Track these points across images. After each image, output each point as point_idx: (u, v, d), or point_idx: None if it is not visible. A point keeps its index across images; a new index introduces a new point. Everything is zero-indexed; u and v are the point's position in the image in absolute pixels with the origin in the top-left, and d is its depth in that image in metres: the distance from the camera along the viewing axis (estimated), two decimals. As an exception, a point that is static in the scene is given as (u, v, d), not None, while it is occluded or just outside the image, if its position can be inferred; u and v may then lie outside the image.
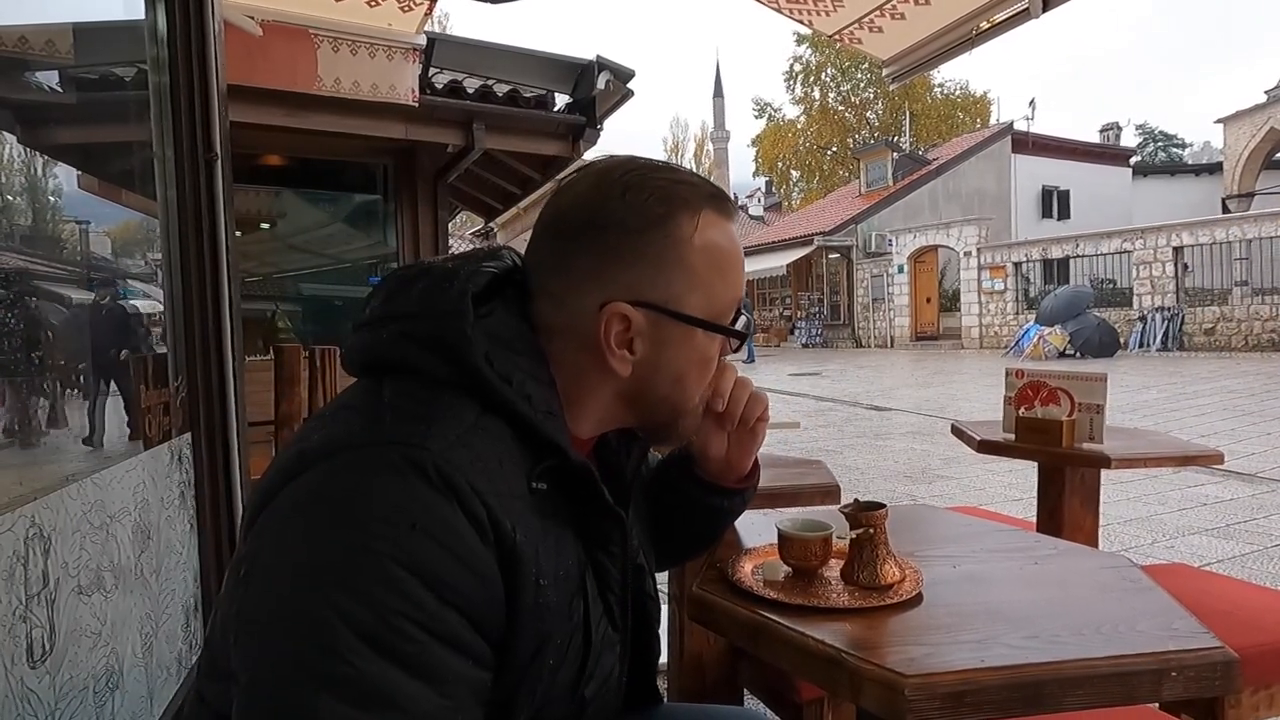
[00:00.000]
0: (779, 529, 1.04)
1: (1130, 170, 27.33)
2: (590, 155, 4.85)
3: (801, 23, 2.63)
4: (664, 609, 1.96)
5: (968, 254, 19.54)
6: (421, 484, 0.60)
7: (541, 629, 0.66)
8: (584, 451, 0.80)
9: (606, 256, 0.74)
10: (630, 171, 0.76)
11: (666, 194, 0.75)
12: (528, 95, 4.51)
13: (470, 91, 4.34)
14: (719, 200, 0.78)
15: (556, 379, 0.74)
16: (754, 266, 25.61)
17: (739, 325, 0.81)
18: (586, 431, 0.79)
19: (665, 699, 1.00)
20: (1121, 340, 15.51)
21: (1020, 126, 25.18)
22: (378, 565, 0.57)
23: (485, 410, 0.67)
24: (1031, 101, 26.77)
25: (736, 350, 0.84)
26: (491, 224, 10.53)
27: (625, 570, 0.78)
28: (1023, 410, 2.09)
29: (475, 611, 0.61)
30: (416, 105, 3.30)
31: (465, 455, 0.63)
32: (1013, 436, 2.09)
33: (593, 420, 0.79)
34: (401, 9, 2.84)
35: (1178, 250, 15.71)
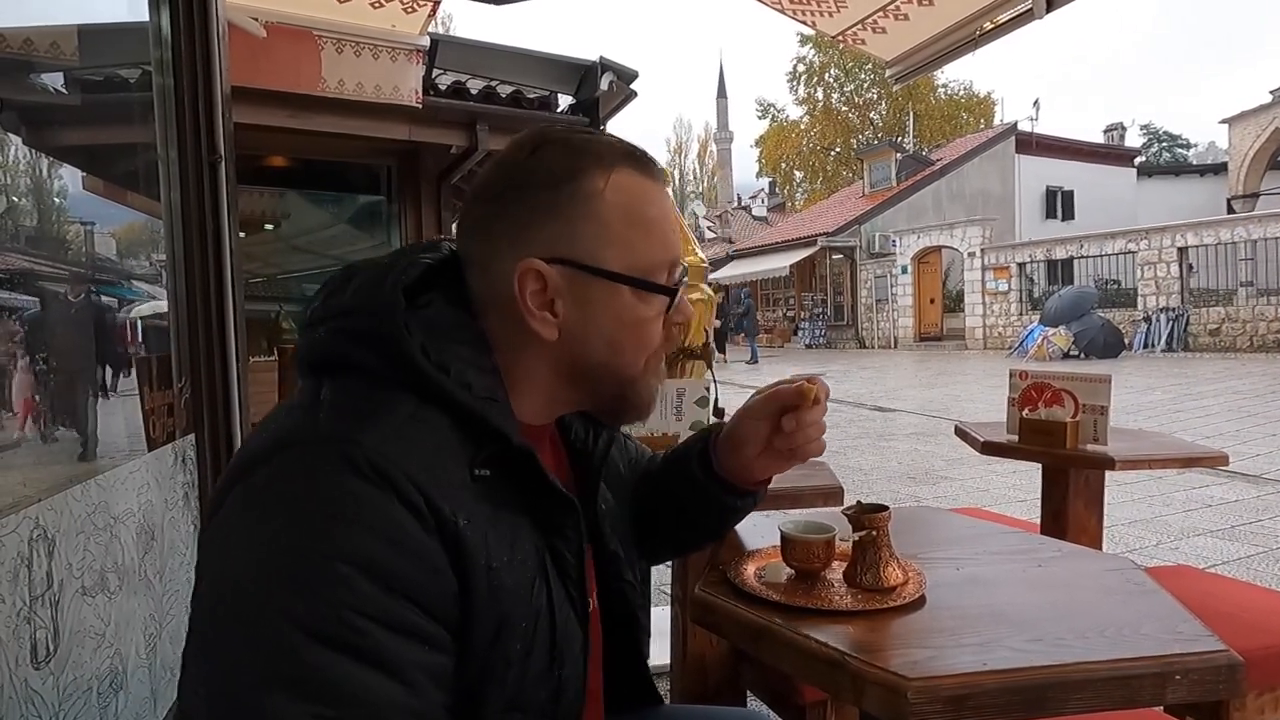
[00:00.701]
0: (781, 531, 1.03)
1: (1135, 171, 27.26)
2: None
3: (805, 24, 2.63)
4: (667, 610, 1.95)
5: (972, 255, 19.50)
6: (356, 478, 0.60)
7: (498, 612, 0.66)
8: (541, 438, 0.80)
9: (519, 215, 0.74)
10: (545, 131, 0.77)
11: (577, 149, 0.75)
12: (531, 96, 4.52)
13: (474, 93, 4.34)
14: (637, 158, 0.77)
15: (500, 364, 0.74)
16: (757, 267, 25.62)
17: (681, 288, 0.79)
18: (536, 416, 0.78)
19: (669, 700, 1.00)
20: (1126, 341, 15.46)
21: (1024, 127, 25.14)
22: (321, 563, 0.57)
23: (424, 402, 0.67)
24: (1035, 102, 26.78)
25: (670, 311, 0.79)
26: (495, 225, 10.54)
27: (581, 556, 0.77)
28: (1026, 411, 2.08)
29: (425, 597, 0.61)
30: (420, 106, 3.31)
31: (399, 446, 0.63)
32: (1016, 438, 2.09)
33: (539, 401, 0.78)
34: (405, 10, 2.84)
35: (1182, 251, 15.66)
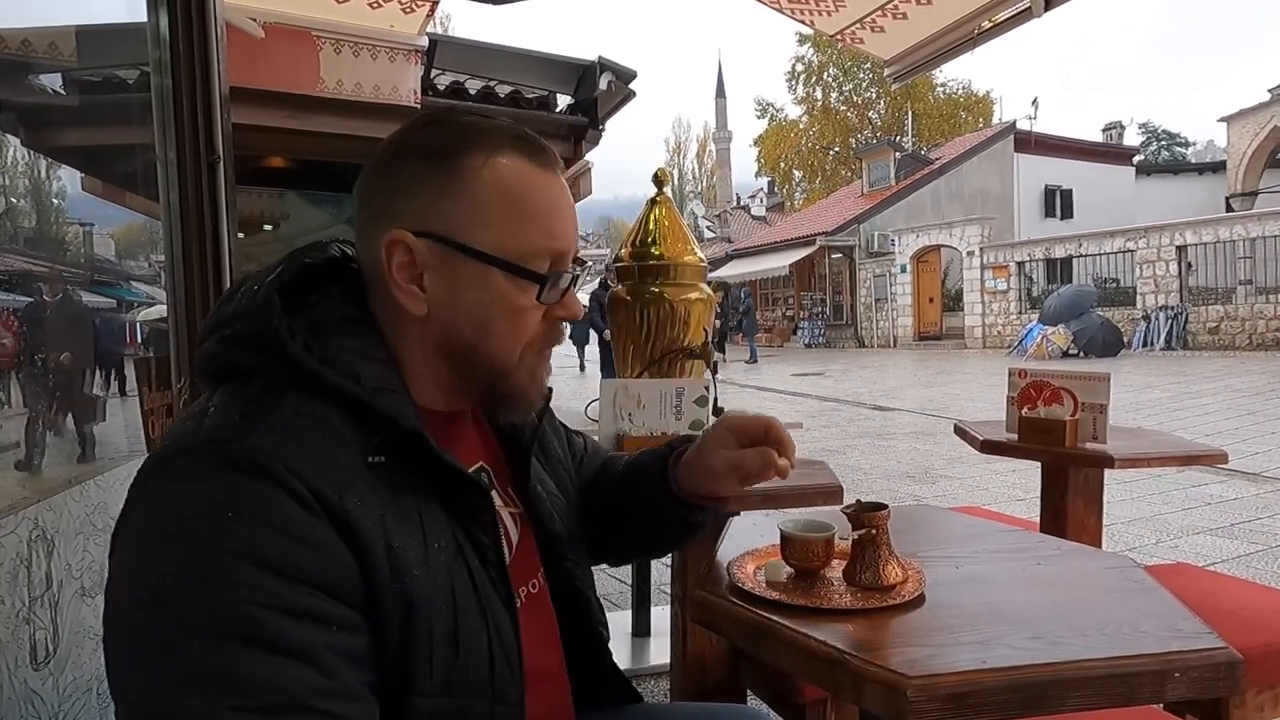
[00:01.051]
0: (781, 529, 1.04)
1: (1133, 169, 27.25)
2: (591, 156, 4.85)
3: (803, 23, 2.63)
4: (667, 610, 1.95)
5: (970, 254, 19.51)
6: (236, 475, 0.61)
7: (406, 593, 0.66)
8: (457, 425, 0.81)
9: (395, 187, 0.74)
10: (440, 112, 0.78)
11: (464, 128, 0.75)
12: (530, 96, 4.52)
13: (472, 93, 4.35)
14: (525, 143, 0.76)
15: (394, 353, 0.75)
16: (756, 267, 25.62)
17: (563, 281, 0.77)
18: (439, 400, 0.78)
19: (670, 699, 1.00)
20: (1125, 339, 15.46)
21: (1023, 126, 25.15)
22: (213, 563, 0.58)
23: (311, 396, 0.68)
24: (1034, 101, 26.80)
25: (549, 302, 0.77)
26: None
27: (498, 539, 0.77)
28: (1026, 410, 2.08)
29: (323, 581, 0.61)
30: (419, 107, 3.30)
31: (279, 439, 0.64)
32: (1016, 437, 2.09)
33: (430, 384, 0.77)
34: (403, 10, 2.84)
35: (1181, 249, 15.66)
